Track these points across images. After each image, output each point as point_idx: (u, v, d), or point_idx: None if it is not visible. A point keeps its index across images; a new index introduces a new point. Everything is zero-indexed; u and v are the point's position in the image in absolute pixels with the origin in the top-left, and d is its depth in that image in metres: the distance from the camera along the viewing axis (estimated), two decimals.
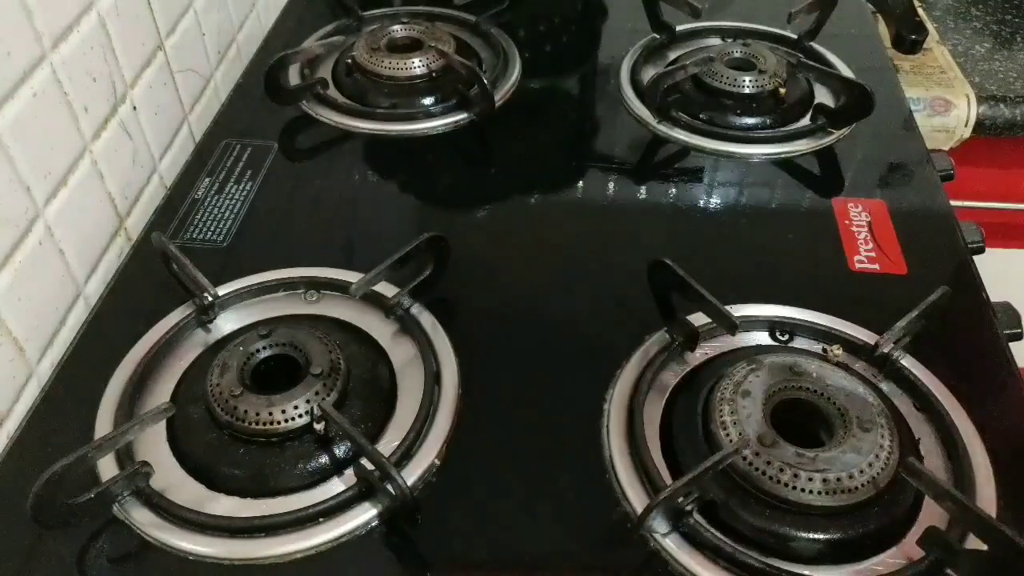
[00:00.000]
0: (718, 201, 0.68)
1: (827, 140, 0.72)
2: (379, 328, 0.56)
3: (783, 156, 0.71)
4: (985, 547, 0.42)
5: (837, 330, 0.55)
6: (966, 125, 0.95)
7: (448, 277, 0.58)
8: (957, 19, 1.09)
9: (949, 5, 1.12)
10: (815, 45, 0.82)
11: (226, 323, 0.57)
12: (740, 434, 0.45)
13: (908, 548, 0.44)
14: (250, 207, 0.66)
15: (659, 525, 0.44)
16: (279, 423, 0.47)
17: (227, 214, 0.65)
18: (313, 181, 0.70)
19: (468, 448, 0.49)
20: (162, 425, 0.49)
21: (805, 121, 0.74)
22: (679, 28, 0.84)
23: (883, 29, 0.86)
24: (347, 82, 0.78)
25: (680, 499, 0.44)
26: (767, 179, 0.70)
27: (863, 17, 0.91)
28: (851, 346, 0.54)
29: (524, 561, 0.45)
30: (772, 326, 0.56)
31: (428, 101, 0.75)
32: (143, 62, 0.68)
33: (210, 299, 0.56)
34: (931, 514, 0.45)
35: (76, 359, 0.55)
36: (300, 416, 0.47)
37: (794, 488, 0.43)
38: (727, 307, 0.52)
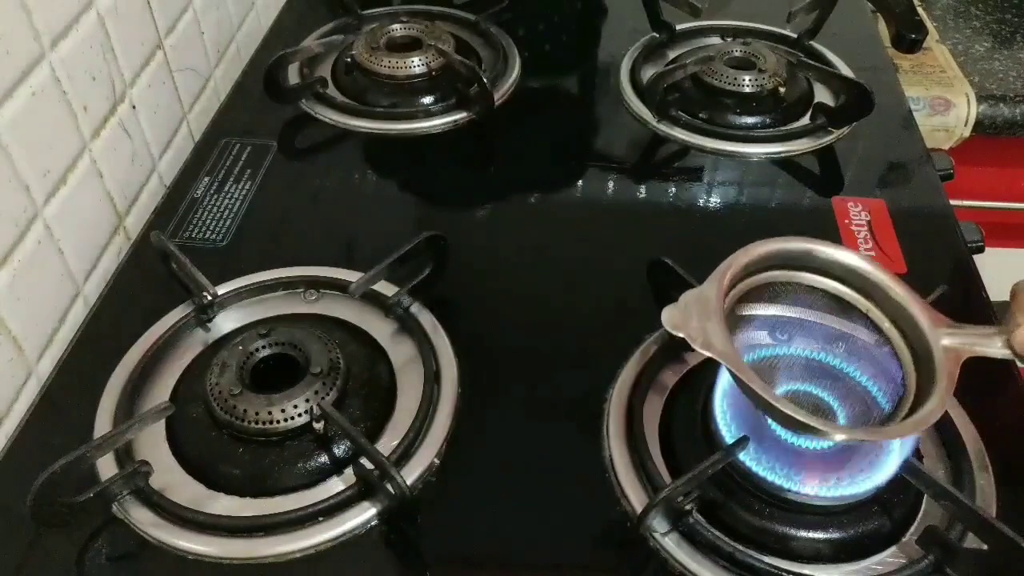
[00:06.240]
0: (718, 200, 0.68)
1: (827, 139, 0.72)
2: (378, 327, 0.56)
3: (783, 155, 0.71)
4: (985, 546, 0.42)
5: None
6: (966, 124, 0.95)
7: (448, 276, 0.58)
8: (957, 18, 1.09)
9: (949, 4, 1.12)
10: (815, 44, 0.82)
11: (225, 322, 0.57)
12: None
13: (908, 547, 0.44)
14: (249, 206, 0.66)
15: (659, 524, 0.44)
16: (278, 422, 0.47)
17: (226, 213, 0.65)
18: (312, 180, 0.70)
19: (467, 447, 0.49)
20: (161, 424, 0.49)
21: (805, 120, 0.74)
22: (679, 27, 0.84)
23: (883, 28, 0.86)
24: (346, 81, 0.78)
25: (680, 498, 0.44)
26: (767, 178, 0.70)
27: (863, 16, 0.91)
28: None
29: (524, 561, 0.45)
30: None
31: (427, 100, 0.75)
32: (142, 61, 0.68)
33: (209, 298, 0.56)
34: (931, 514, 0.45)
35: (75, 358, 0.55)
36: (299, 415, 0.47)
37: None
38: None
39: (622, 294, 0.59)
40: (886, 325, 0.46)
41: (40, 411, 0.52)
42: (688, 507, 0.44)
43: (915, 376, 0.44)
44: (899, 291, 0.45)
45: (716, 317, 0.42)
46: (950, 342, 0.43)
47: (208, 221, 0.64)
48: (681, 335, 0.41)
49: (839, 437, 0.40)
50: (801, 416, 0.39)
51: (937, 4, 1.12)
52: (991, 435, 0.49)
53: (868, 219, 0.65)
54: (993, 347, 0.42)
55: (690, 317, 0.42)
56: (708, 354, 0.41)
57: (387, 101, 0.76)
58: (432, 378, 0.52)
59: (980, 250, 0.65)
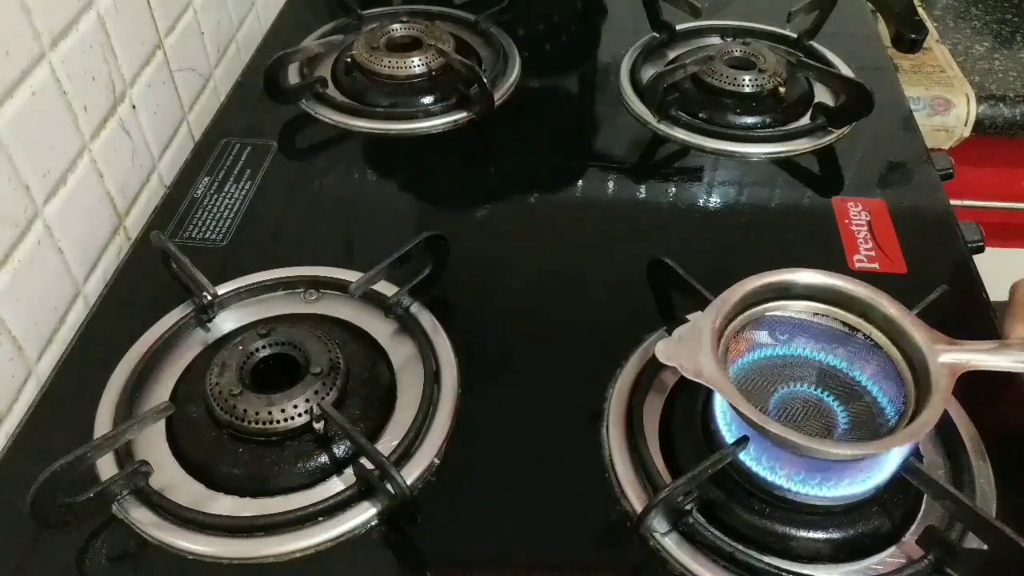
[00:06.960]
0: (718, 200, 0.68)
1: (827, 139, 0.72)
2: (378, 327, 0.56)
3: (783, 155, 0.71)
4: (985, 546, 0.42)
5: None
6: (966, 124, 0.95)
7: (448, 276, 0.58)
8: (957, 18, 1.09)
9: (949, 4, 1.12)
10: (815, 44, 0.82)
11: (225, 322, 0.57)
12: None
13: (907, 547, 0.44)
14: (249, 206, 0.66)
15: (659, 524, 0.44)
16: (278, 422, 0.47)
17: (226, 213, 0.65)
18: (312, 180, 0.70)
19: (467, 447, 0.49)
20: (161, 424, 0.49)
21: (805, 120, 0.74)
22: (679, 27, 0.84)
23: (883, 28, 0.86)
24: (346, 81, 0.78)
25: (680, 498, 0.44)
26: (767, 178, 0.70)
27: (863, 16, 0.91)
28: None
29: (524, 561, 0.45)
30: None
31: (427, 100, 0.75)
32: (142, 61, 0.68)
33: (209, 298, 0.56)
34: (931, 514, 0.45)
35: (75, 358, 0.55)
36: (299, 415, 0.47)
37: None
38: None
39: (622, 294, 0.59)
40: (887, 345, 0.47)
41: (40, 411, 0.52)
42: (688, 507, 0.44)
43: (915, 393, 0.45)
44: (896, 313, 0.46)
45: (707, 347, 0.44)
46: (947, 358, 0.44)
47: (208, 221, 0.64)
48: (673, 364, 0.44)
49: (832, 455, 0.41)
50: (793, 436, 0.41)
51: (937, 4, 1.12)
52: (991, 435, 0.49)
53: (868, 219, 0.65)
54: (989, 360, 0.43)
55: (683, 349, 0.44)
56: (698, 380, 0.43)
57: (387, 101, 0.76)
58: (432, 378, 0.52)
59: (980, 250, 0.65)
